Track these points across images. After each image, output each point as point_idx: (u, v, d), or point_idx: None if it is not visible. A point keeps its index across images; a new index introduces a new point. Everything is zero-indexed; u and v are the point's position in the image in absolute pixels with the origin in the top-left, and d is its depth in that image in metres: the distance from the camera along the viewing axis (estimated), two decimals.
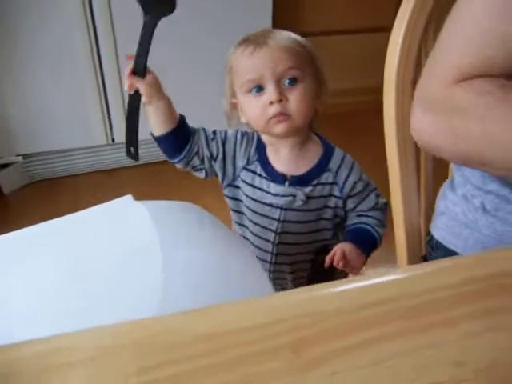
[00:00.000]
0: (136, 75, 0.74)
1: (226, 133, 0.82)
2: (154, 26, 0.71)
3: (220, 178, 0.84)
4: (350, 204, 0.82)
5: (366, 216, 0.82)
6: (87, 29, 1.49)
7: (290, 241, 0.83)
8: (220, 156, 0.81)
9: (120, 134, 1.68)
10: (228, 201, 0.86)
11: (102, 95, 1.63)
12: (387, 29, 0.61)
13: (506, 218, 0.58)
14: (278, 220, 0.81)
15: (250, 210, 0.83)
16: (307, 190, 0.79)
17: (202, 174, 0.83)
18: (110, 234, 0.60)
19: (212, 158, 0.81)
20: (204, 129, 0.82)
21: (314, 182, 0.80)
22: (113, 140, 1.74)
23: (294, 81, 0.73)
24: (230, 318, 0.32)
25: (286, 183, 0.79)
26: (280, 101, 0.72)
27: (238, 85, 0.76)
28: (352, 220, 0.83)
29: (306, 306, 0.32)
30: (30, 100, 1.58)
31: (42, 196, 1.65)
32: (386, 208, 0.84)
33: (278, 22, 1.70)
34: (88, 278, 0.52)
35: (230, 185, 0.84)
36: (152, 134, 0.80)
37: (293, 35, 0.76)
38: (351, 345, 0.30)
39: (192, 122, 0.83)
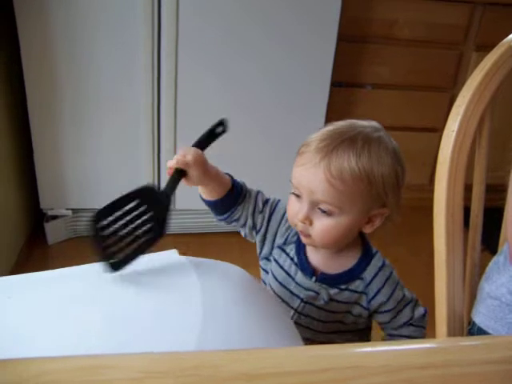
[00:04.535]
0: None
1: (277, 204, 0.80)
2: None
3: (258, 249, 0.83)
4: (385, 318, 0.79)
5: (399, 336, 0.79)
6: (152, 101, 1.60)
7: (302, 334, 0.74)
8: (262, 231, 0.80)
9: None
10: (261, 271, 0.85)
11: (156, 162, 1.71)
12: (436, 130, 0.62)
13: None
14: (296, 310, 0.79)
15: (273, 290, 0.81)
16: (333, 291, 0.76)
17: (242, 233, 0.82)
18: (152, 283, 0.61)
19: (254, 228, 0.80)
20: (257, 195, 0.80)
21: (343, 287, 0.76)
22: None
23: (326, 212, 0.69)
24: (270, 362, 0.32)
25: (314, 278, 0.77)
26: (304, 222, 0.70)
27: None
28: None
29: (349, 359, 0.32)
30: (86, 157, 1.67)
31: (84, 251, 1.67)
32: (423, 319, 0.80)
33: (331, 115, 1.77)
34: (126, 322, 0.53)
35: (265, 258, 0.83)
36: (200, 196, 0.79)
37: (359, 164, 0.67)
38: None
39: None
